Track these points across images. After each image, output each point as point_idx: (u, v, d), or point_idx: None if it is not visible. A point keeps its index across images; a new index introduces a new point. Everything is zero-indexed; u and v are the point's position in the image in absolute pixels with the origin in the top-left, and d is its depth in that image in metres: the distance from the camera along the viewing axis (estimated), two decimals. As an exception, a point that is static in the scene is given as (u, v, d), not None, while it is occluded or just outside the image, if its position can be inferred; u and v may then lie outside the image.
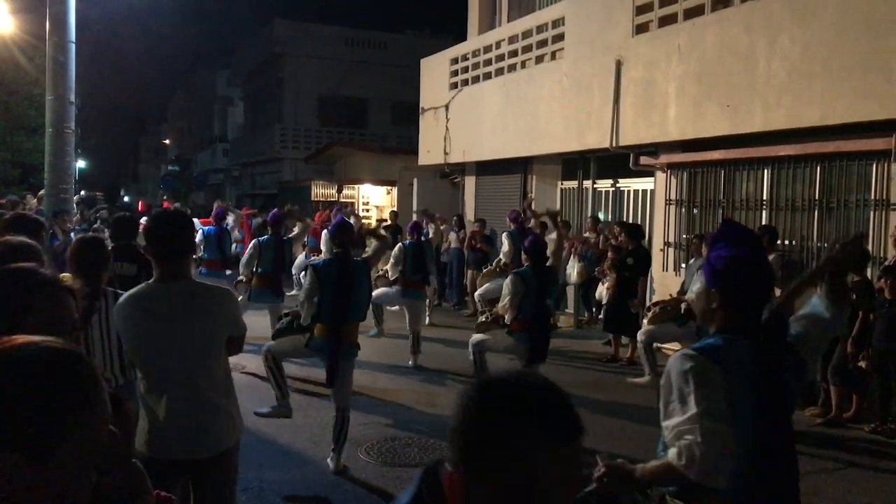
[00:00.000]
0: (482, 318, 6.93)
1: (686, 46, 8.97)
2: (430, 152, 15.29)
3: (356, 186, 21.98)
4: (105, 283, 3.79)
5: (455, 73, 14.44)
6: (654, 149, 10.01)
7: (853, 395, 6.71)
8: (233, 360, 9.16)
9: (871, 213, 7.58)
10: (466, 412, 1.13)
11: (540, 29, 11.98)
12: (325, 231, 10.82)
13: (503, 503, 1.07)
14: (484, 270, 10.84)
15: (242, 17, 56.27)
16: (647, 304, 8.34)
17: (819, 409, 6.86)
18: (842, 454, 5.95)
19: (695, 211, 9.72)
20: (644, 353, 7.46)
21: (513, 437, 1.07)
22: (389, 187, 20.57)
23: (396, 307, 10.85)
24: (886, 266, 6.59)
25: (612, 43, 10.18)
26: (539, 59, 12.06)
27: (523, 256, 6.33)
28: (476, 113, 13.60)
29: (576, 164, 12.34)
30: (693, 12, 8.96)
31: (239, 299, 8.29)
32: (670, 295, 8.21)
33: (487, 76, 13.43)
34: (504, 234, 11.18)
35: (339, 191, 21.70)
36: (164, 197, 40.91)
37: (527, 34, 12.32)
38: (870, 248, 7.28)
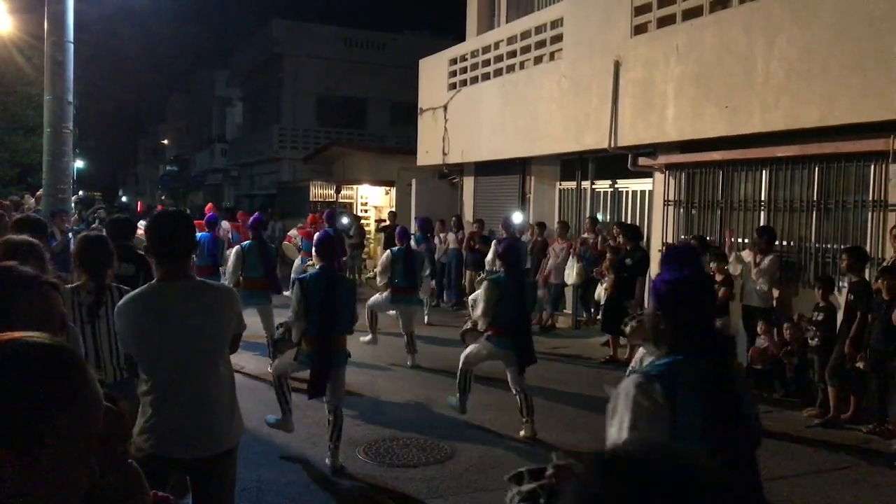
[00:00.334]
0: (466, 326, 6.92)
1: (685, 47, 8.97)
2: (428, 153, 15.29)
3: (355, 187, 21.97)
4: (110, 280, 3.84)
5: (454, 74, 14.45)
6: (652, 149, 10.01)
7: (851, 396, 6.72)
8: (233, 360, 9.18)
9: (870, 214, 7.58)
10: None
11: (539, 30, 11.98)
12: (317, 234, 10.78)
13: None
14: (477, 278, 10.85)
15: (241, 18, 56.27)
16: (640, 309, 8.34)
17: (817, 409, 6.87)
18: (840, 455, 5.96)
19: (693, 212, 9.73)
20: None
21: None
22: (388, 188, 20.56)
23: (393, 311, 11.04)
24: (884, 267, 6.60)
25: (610, 44, 10.18)
26: (538, 60, 12.07)
27: (498, 262, 6.35)
28: (475, 113, 13.60)
29: (574, 164, 12.35)
30: (692, 13, 8.96)
31: None
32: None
33: (486, 77, 13.43)
34: (494, 241, 11.17)
35: (338, 191, 21.69)
36: (163, 197, 40.88)
37: (525, 35, 12.33)
38: (868, 249, 7.30)
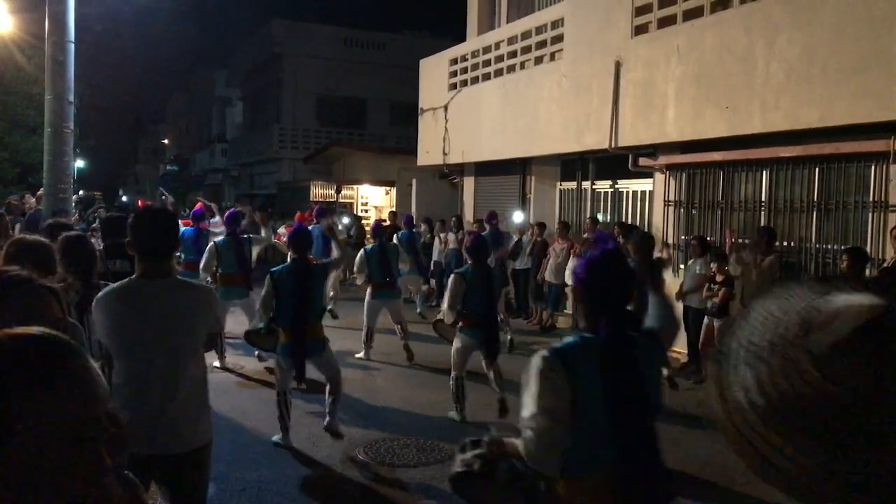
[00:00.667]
0: (437, 317, 7.11)
1: (685, 48, 8.97)
2: (428, 153, 15.29)
3: (355, 187, 21.98)
4: (97, 278, 3.84)
5: (454, 74, 14.44)
6: (653, 150, 10.02)
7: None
8: (230, 361, 9.18)
9: (870, 215, 7.59)
10: None
11: (539, 30, 11.98)
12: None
13: None
14: None
15: (241, 18, 56.15)
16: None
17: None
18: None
19: (694, 212, 9.73)
20: None
21: None
22: (388, 188, 20.57)
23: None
24: (884, 267, 6.60)
25: (611, 44, 10.18)
26: (538, 60, 12.07)
27: (465, 256, 6.46)
28: (475, 114, 13.60)
29: (575, 165, 12.35)
30: (692, 14, 8.97)
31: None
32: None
33: (486, 77, 13.43)
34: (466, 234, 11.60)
35: (338, 191, 21.70)
36: (163, 197, 40.84)
37: (526, 35, 12.33)
38: (868, 249, 7.30)
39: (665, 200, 10.00)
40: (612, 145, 10.17)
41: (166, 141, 52.98)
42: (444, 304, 6.48)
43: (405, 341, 8.85)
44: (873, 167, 7.50)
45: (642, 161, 10.15)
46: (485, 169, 14.38)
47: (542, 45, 11.92)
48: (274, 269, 5.84)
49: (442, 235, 13.51)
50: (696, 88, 8.84)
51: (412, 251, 11.32)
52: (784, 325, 0.85)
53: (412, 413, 6.82)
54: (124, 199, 53.93)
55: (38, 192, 11.45)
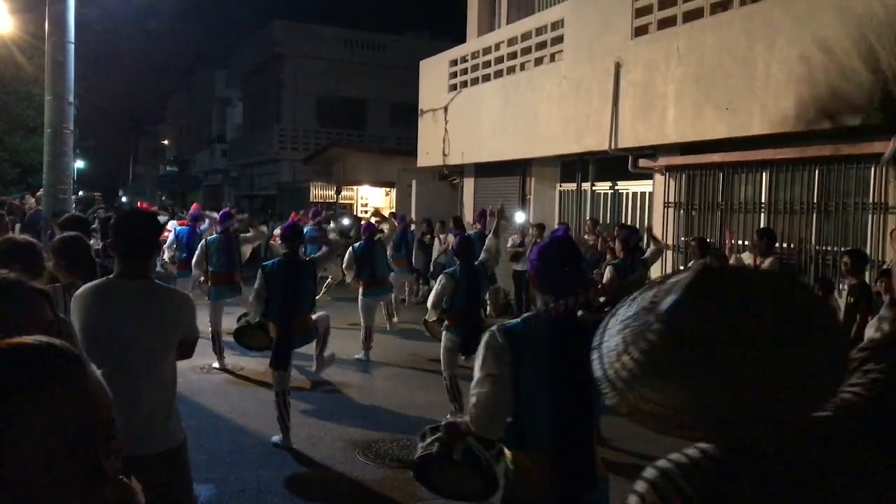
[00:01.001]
0: (426, 317, 7.29)
1: (685, 49, 8.98)
2: (428, 154, 15.29)
3: (355, 188, 21.99)
4: (98, 276, 3.85)
5: (454, 75, 14.45)
6: (652, 151, 10.02)
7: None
8: (229, 362, 9.18)
9: (870, 217, 7.59)
10: None
11: (539, 31, 11.99)
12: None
13: None
14: None
15: (241, 18, 56.32)
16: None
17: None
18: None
19: (693, 214, 9.73)
20: None
21: None
22: (388, 189, 20.57)
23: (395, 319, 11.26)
24: (884, 269, 6.60)
25: (611, 45, 10.18)
26: (538, 62, 12.07)
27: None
28: (475, 115, 13.61)
29: (574, 166, 12.36)
30: (692, 15, 8.97)
31: (210, 306, 8.53)
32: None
33: (486, 78, 13.43)
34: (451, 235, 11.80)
35: (338, 192, 21.71)
36: (163, 198, 40.88)
37: (526, 36, 12.33)
38: (868, 251, 7.30)
39: (665, 202, 10.00)
40: (612, 146, 10.17)
41: (166, 141, 52.95)
42: (429, 302, 6.70)
43: (391, 327, 9.34)
44: (873, 169, 7.50)
45: (642, 162, 10.15)
46: (485, 170, 14.38)
47: (542, 46, 11.92)
48: (265, 263, 6.09)
49: (442, 236, 13.51)
50: (696, 90, 8.84)
51: (405, 250, 11.52)
52: (640, 301, 1.14)
53: (412, 413, 6.82)
54: (124, 199, 53.90)
55: (38, 193, 11.44)
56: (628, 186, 11.36)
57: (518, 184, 13.53)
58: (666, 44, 9.26)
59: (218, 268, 8.43)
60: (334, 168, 24.21)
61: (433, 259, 13.41)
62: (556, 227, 11.91)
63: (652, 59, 9.50)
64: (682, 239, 9.70)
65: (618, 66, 10.03)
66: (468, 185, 15.04)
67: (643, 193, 10.98)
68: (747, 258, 8.05)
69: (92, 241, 5.13)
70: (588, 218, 11.73)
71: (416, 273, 13.84)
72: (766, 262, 7.75)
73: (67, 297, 3.70)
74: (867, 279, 6.83)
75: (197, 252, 8.59)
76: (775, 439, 1.06)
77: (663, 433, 1.08)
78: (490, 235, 7.16)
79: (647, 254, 7.98)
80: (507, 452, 2.62)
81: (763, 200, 8.77)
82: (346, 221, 17.52)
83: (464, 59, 14.22)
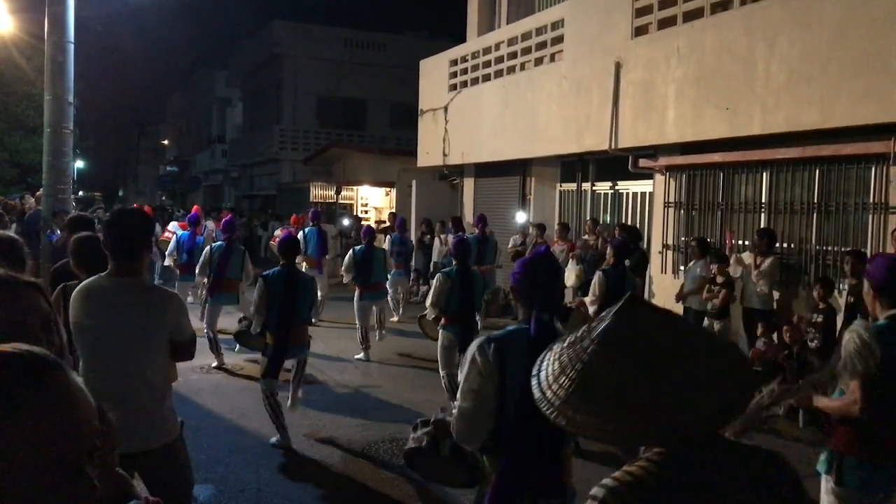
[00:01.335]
0: (422, 314, 7.46)
1: (685, 49, 8.97)
2: (428, 154, 15.28)
3: (355, 188, 21.97)
4: None
5: (454, 75, 14.44)
6: (652, 151, 10.01)
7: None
8: (229, 362, 9.16)
9: (870, 217, 7.58)
10: None
11: (539, 31, 11.98)
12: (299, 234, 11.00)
13: None
14: None
15: (241, 18, 56.33)
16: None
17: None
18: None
19: (694, 213, 9.72)
20: None
21: None
22: (388, 189, 20.56)
23: (395, 318, 11.54)
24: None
25: (611, 45, 10.18)
26: (538, 61, 12.06)
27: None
28: (475, 115, 13.60)
29: (575, 166, 12.35)
30: (692, 15, 8.96)
31: (206, 307, 8.60)
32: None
33: (487, 78, 13.42)
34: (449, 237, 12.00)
35: (338, 192, 21.69)
36: (163, 198, 40.85)
37: (526, 36, 12.32)
38: (868, 251, 7.29)
39: (665, 202, 9.99)
40: (612, 146, 10.16)
41: (166, 141, 52.92)
42: (428, 301, 6.85)
43: (380, 338, 9.40)
44: (873, 169, 7.49)
45: (642, 162, 10.14)
46: (485, 170, 14.37)
47: (542, 46, 11.91)
48: (265, 272, 6.10)
49: (442, 237, 13.51)
50: (697, 89, 8.83)
51: (403, 254, 11.66)
52: (578, 331, 1.34)
53: (412, 413, 6.80)
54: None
55: (38, 193, 11.42)
56: (628, 186, 11.35)
57: (518, 184, 13.52)
58: (666, 43, 9.26)
59: (219, 275, 8.45)
60: (334, 168, 24.20)
61: (433, 260, 13.41)
62: (555, 226, 11.93)
63: (652, 59, 9.50)
64: (683, 239, 9.69)
65: (618, 66, 10.02)
66: (468, 185, 15.03)
67: (643, 193, 10.97)
68: (747, 258, 8.05)
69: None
70: (588, 218, 11.72)
71: (416, 273, 13.85)
72: (766, 262, 7.75)
73: None
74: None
75: (201, 259, 8.64)
76: (707, 455, 1.25)
77: (600, 440, 1.27)
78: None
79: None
80: (484, 458, 2.75)
81: (763, 200, 8.76)
82: (345, 222, 17.51)
83: (464, 59, 14.21)
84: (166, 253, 10.43)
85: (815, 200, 8.15)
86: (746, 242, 8.66)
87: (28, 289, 1.91)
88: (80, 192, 33.55)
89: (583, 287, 10.84)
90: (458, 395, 2.65)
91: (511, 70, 12.74)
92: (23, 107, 20.06)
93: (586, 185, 12.28)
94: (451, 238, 13.27)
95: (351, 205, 21.82)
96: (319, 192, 22.28)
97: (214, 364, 8.25)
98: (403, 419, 6.60)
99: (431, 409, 6.85)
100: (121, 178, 69.70)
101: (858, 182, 7.74)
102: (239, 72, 32.79)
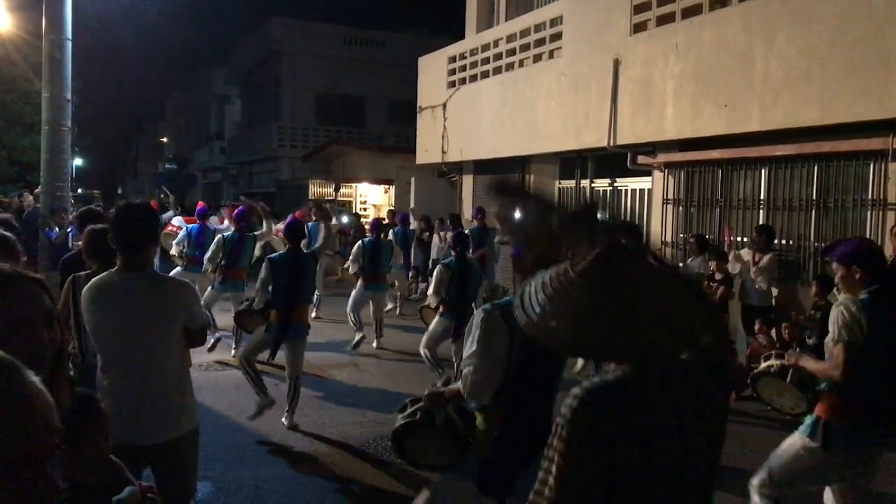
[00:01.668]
0: (424, 304, 7.87)
1: (684, 45, 8.96)
2: (427, 151, 15.28)
3: (354, 185, 21.96)
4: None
5: (453, 72, 14.43)
6: (651, 148, 10.01)
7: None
8: (228, 358, 9.13)
9: (869, 213, 7.58)
10: None
11: (538, 28, 11.97)
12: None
13: None
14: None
15: (240, 15, 56.25)
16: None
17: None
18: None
19: (692, 210, 9.72)
20: None
21: None
22: (387, 186, 20.55)
23: (390, 306, 11.70)
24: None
25: (609, 42, 10.17)
26: (537, 58, 12.05)
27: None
28: (474, 112, 13.59)
29: (573, 163, 12.34)
30: (691, 11, 8.96)
31: (208, 290, 8.61)
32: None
33: (485, 75, 13.41)
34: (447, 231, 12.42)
35: (337, 189, 21.68)
36: (161, 196, 40.75)
37: (525, 33, 12.31)
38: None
39: (664, 198, 9.99)
40: (611, 143, 10.16)
41: (165, 139, 52.84)
42: (430, 290, 7.28)
43: (378, 339, 9.43)
44: (872, 165, 7.49)
45: (641, 159, 10.14)
46: (483, 167, 14.36)
47: (540, 42, 11.90)
48: (271, 255, 6.48)
49: (441, 234, 13.51)
50: (695, 86, 8.83)
51: (404, 248, 11.91)
52: (560, 267, 1.54)
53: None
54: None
55: (36, 191, 11.43)
56: (627, 183, 11.35)
57: (517, 181, 13.50)
58: (665, 40, 9.25)
59: (231, 264, 8.65)
60: (333, 165, 24.19)
61: (432, 257, 13.41)
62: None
63: (651, 56, 9.49)
64: (681, 236, 9.69)
65: (616, 63, 10.01)
66: (467, 182, 15.03)
67: (642, 190, 10.97)
68: (746, 255, 8.05)
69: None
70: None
71: (415, 269, 13.86)
72: (765, 259, 7.75)
73: None
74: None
75: (213, 246, 8.71)
76: (671, 375, 1.52)
77: (557, 348, 1.54)
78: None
79: None
80: (480, 415, 2.97)
81: (762, 197, 8.77)
82: (345, 219, 17.50)
83: (462, 56, 14.20)
84: (174, 243, 10.41)
85: (814, 197, 8.16)
86: (745, 239, 8.66)
87: (32, 284, 1.91)
88: (79, 190, 33.45)
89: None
90: (469, 356, 2.85)
91: (510, 67, 12.73)
92: (21, 104, 20.03)
93: (585, 182, 12.27)
94: (450, 235, 13.33)
95: (350, 202, 21.81)
96: (318, 190, 22.27)
97: (210, 343, 8.22)
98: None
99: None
100: (119, 176, 69.57)
101: (857, 179, 7.74)
102: (238, 69, 32.73)
